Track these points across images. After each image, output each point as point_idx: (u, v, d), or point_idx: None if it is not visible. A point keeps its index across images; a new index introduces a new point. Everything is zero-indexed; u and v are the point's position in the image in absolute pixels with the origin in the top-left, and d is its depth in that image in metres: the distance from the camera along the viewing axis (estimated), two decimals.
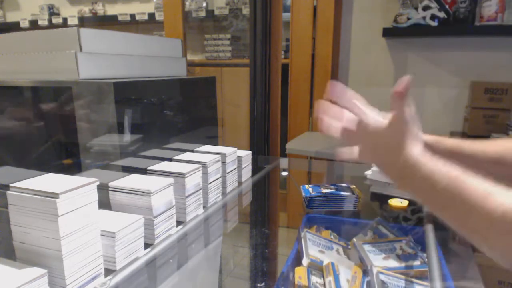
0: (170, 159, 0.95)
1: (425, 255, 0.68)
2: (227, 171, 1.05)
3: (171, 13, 2.58)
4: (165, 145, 1.02)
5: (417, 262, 0.64)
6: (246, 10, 2.85)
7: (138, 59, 1.03)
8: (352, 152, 0.62)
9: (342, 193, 0.95)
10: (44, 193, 0.55)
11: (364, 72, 2.50)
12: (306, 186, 1.00)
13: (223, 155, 1.02)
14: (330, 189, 0.97)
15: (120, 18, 3.26)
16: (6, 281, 0.50)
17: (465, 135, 2.20)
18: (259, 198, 1.14)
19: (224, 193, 1.04)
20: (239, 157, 1.12)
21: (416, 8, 2.12)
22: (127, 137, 0.86)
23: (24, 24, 3.64)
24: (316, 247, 0.67)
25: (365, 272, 0.61)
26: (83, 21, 3.48)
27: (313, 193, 0.94)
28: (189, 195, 0.86)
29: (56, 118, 1.00)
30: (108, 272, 0.65)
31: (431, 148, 0.61)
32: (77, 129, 0.85)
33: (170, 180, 0.80)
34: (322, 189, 0.97)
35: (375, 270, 0.59)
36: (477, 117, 2.13)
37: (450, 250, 0.60)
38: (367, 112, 0.57)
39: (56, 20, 3.53)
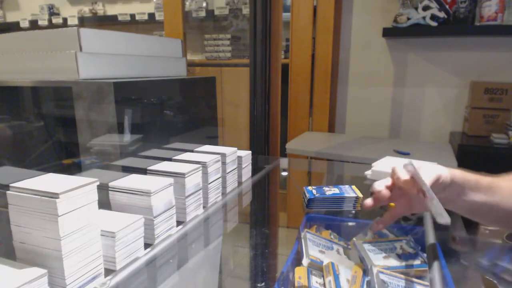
0: (170, 159, 0.95)
1: (425, 255, 0.68)
2: (227, 171, 1.05)
3: (171, 13, 2.59)
4: (165, 145, 1.02)
5: (417, 262, 0.64)
6: (246, 10, 2.85)
7: (138, 59, 1.03)
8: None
9: (342, 193, 0.95)
10: (44, 193, 0.55)
11: (364, 72, 2.50)
12: (310, 188, 0.98)
13: (223, 155, 1.02)
14: (334, 190, 0.97)
15: (120, 18, 3.27)
16: (6, 281, 0.50)
17: (465, 135, 2.20)
18: (259, 198, 1.14)
19: (224, 193, 1.04)
20: (239, 157, 1.12)
21: (416, 8, 2.12)
22: (127, 137, 0.86)
23: (24, 24, 3.64)
24: (316, 247, 0.67)
25: (365, 271, 0.61)
26: (83, 21, 3.48)
27: (317, 195, 0.94)
28: (189, 195, 0.86)
29: (56, 118, 1.00)
30: (108, 272, 0.65)
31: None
32: (77, 129, 0.85)
33: (170, 180, 0.80)
34: (325, 190, 0.97)
35: (375, 270, 0.59)
36: (477, 117, 2.13)
37: (450, 250, 0.61)
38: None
39: (56, 20, 3.53)
